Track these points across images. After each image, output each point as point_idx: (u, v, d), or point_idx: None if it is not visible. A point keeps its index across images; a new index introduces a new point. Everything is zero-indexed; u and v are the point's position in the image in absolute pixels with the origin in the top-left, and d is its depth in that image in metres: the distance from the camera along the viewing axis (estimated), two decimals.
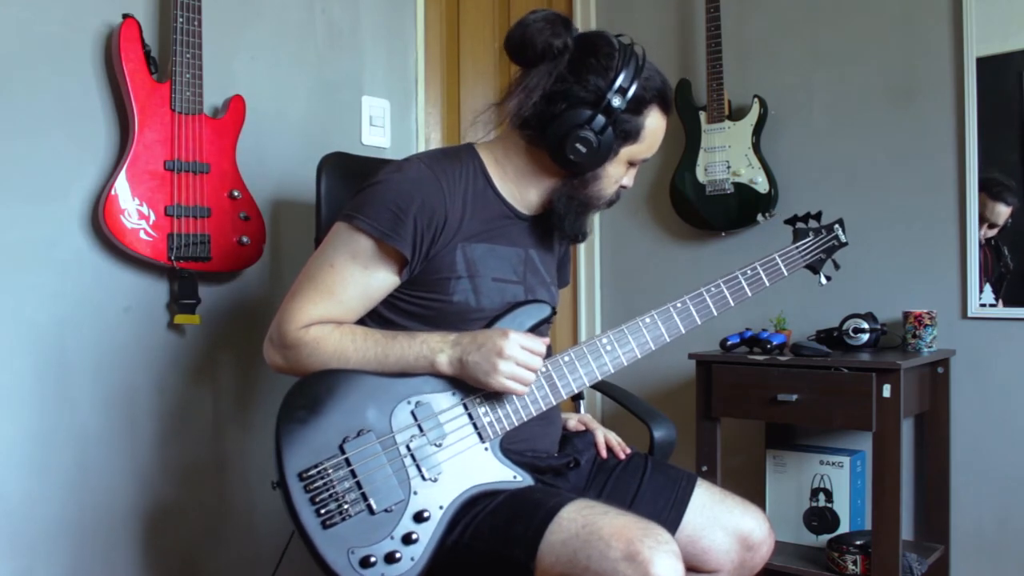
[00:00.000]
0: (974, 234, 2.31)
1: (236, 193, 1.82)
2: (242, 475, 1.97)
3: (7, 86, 1.59)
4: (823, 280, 1.64)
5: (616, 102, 1.36)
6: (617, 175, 1.46)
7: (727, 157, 2.58)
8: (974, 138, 2.31)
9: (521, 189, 1.47)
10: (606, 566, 1.16)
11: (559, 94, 1.37)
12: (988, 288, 2.30)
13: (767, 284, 1.54)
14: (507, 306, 1.42)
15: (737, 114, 2.59)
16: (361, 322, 1.42)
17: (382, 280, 1.38)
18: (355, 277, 1.36)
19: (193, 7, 1.73)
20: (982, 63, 2.29)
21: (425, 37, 2.40)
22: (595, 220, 2.95)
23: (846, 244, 1.65)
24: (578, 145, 1.37)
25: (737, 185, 2.56)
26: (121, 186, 1.66)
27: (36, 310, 1.64)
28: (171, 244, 1.72)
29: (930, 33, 2.38)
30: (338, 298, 1.36)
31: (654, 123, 1.44)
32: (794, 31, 2.60)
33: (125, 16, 1.68)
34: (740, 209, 2.56)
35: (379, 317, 1.43)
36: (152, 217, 1.70)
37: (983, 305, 2.31)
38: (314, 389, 1.29)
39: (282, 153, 2.02)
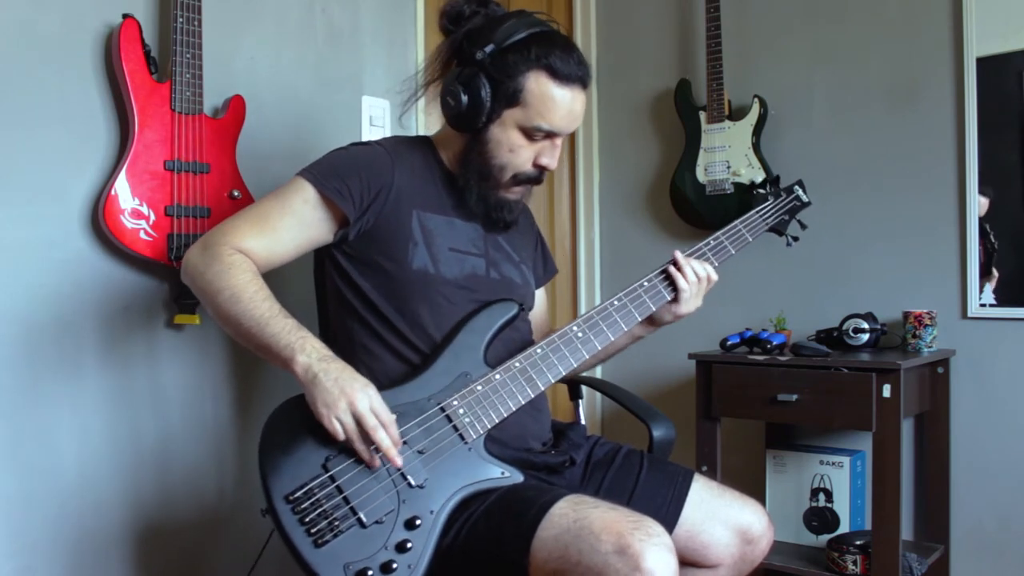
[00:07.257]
0: (974, 234, 2.31)
1: (236, 193, 1.82)
2: (241, 474, 1.97)
3: (7, 86, 1.59)
4: (789, 241, 1.70)
5: (479, 55, 1.40)
6: (510, 142, 1.44)
7: (727, 157, 2.58)
8: (974, 138, 2.31)
9: (455, 162, 1.52)
10: (597, 560, 1.16)
11: (450, 58, 1.48)
12: (988, 288, 2.31)
13: (733, 252, 1.60)
14: (478, 304, 1.45)
15: (737, 114, 2.59)
16: (324, 305, 1.52)
17: (318, 230, 1.44)
18: (296, 215, 1.42)
19: (193, 7, 1.73)
20: (982, 63, 2.29)
21: (425, 37, 2.40)
22: (594, 220, 2.96)
23: (809, 204, 1.72)
24: (448, 98, 1.44)
25: (737, 185, 2.56)
26: (121, 186, 1.66)
27: (36, 310, 1.64)
28: (171, 244, 1.72)
29: (930, 33, 2.38)
30: (273, 226, 1.41)
31: (539, 88, 1.41)
32: (794, 31, 2.60)
33: (125, 16, 1.68)
34: (740, 209, 2.54)
35: (347, 287, 1.46)
36: (152, 217, 1.70)
37: (983, 305, 2.31)
38: (293, 413, 1.29)
39: (282, 153, 2.02)
